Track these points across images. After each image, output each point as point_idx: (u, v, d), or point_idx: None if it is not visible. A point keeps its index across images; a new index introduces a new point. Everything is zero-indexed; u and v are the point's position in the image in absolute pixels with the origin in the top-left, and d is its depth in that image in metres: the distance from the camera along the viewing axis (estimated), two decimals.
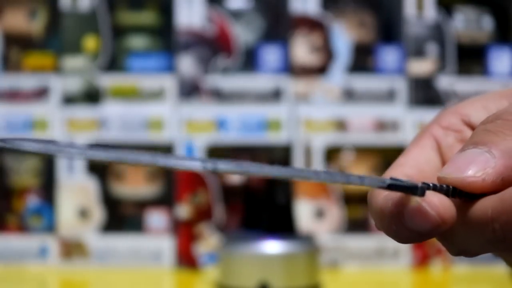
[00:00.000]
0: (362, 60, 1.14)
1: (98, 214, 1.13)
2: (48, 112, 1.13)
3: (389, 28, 1.14)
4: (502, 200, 0.34)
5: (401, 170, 0.39)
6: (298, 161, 1.12)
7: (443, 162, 0.41)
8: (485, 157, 0.35)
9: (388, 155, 1.12)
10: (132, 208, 1.13)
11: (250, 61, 1.13)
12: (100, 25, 1.14)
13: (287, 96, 1.13)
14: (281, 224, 0.99)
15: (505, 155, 0.35)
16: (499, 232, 0.35)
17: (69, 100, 1.13)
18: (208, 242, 1.12)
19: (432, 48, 1.14)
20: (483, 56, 1.14)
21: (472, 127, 0.42)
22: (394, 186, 0.35)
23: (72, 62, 1.14)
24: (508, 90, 0.42)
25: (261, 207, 1.01)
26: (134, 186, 1.13)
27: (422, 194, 0.35)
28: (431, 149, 0.40)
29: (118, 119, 1.13)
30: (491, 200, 0.35)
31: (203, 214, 1.12)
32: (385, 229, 0.37)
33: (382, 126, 1.13)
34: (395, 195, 0.36)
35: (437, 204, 0.35)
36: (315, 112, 1.13)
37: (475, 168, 0.35)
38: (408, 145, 0.41)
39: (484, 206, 0.35)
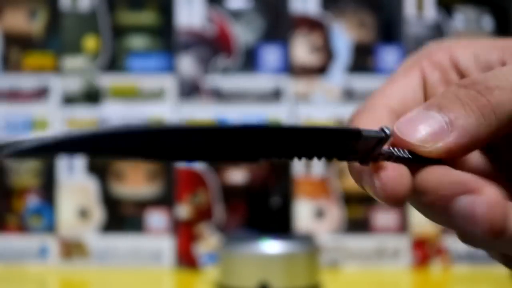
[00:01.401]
0: (362, 60, 1.14)
1: (98, 214, 1.13)
2: (48, 112, 1.13)
3: (389, 28, 1.14)
4: None
5: (386, 102, 0.38)
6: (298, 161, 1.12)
7: (425, 99, 0.40)
8: (442, 128, 0.35)
9: None
10: (132, 208, 1.13)
11: (250, 61, 1.13)
12: (100, 25, 1.14)
13: (287, 96, 1.13)
14: (276, 224, 0.99)
15: (461, 133, 0.34)
16: None
17: (69, 100, 1.13)
18: (208, 242, 1.12)
19: None
20: None
21: (458, 71, 0.41)
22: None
23: (72, 62, 1.14)
24: (501, 42, 0.41)
25: (263, 207, 1.01)
26: (134, 186, 1.13)
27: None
28: (417, 84, 0.40)
29: (118, 119, 1.13)
30: None
31: (203, 214, 1.12)
32: (365, 187, 0.36)
33: None
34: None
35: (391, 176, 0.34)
36: (315, 112, 1.13)
37: (427, 136, 0.35)
38: (396, 73, 0.40)
39: None
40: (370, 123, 0.35)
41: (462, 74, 0.40)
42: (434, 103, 0.35)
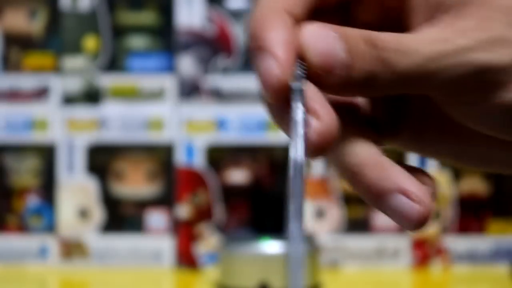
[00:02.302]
0: None
1: (98, 214, 1.13)
2: (48, 112, 1.13)
3: None
4: None
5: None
6: None
7: None
8: (342, 71, 0.32)
9: (386, 154, 1.12)
10: (132, 208, 1.13)
11: (250, 61, 1.13)
12: (100, 25, 1.14)
13: None
14: (277, 224, 0.99)
15: (349, 82, 0.33)
16: None
17: (69, 100, 1.13)
18: (208, 242, 1.12)
19: None
20: None
21: None
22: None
23: (72, 62, 1.14)
24: None
25: (265, 207, 1.01)
26: (134, 186, 1.13)
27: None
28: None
29: (118, 119, 1.13)
30: None
31: (203, 214, 1.12)
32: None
33: None
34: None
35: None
36: None
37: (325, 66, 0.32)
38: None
39: None
40: (280, 39, 0.32)
41: None
42: (346, 39, 0.32)
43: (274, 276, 0.93)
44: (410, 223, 0.33)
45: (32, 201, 1.13)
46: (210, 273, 1.08)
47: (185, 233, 1.12)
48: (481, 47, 0.33)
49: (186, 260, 1.12)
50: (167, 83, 1.13)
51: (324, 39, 0.32)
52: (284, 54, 0.31)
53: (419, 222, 0.33)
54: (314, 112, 0.32)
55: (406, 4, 0.35)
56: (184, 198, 1.12)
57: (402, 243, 1.12)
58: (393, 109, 0.37)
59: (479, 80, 0.33)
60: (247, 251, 0.95)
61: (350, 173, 0.34)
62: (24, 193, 1.13)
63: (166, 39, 1.14)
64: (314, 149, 0.32)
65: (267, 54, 0.32)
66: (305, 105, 0.32)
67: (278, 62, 0.31)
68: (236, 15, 1.13)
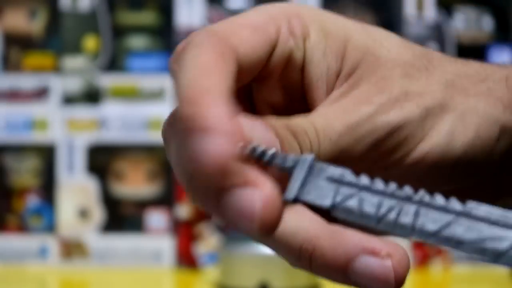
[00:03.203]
0: None
1: (98, 214, 1.13)
2: (48, 112, 1.13)
3: (389, 28, 1.14)
4: None
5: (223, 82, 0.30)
6: None
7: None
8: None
9: None
10: (132, 208, 1.13)
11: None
12: (100, 25, 1.14)
13: None
14: None
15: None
16: None
17: (69, 100, 1.13)
18: (208, 242, 1.12)
19: (432, 48, 1.14)
20: (483, 56, 1.14)
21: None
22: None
23: (72, 62, 1.14)
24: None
25: None
26: (134, 186, 1.13)
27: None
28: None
29: (118, 119, 1.13)
30: None
31: (203, 214, 1.12)
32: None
33: None
34: None
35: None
36: None
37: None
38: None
39: None
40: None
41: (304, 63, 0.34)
42: (275, 131, 0.31)
43: (274, 276, 0.93)
44: (388, 284, 0.29)
45: (32, 201, 1.13)
46: (210, 273, 1.08)
47: (185, 233, 1.12)
48: (386, 108, 0.33)
49: (186, 260, 1.12)
50: (167, 83, 1.13)
51: (262, 130, 0.29)
52: (233, 127, 0.28)
53: (398, 280, 0.29)
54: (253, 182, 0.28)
55: (306, 79, 0.34)
56: (184, 198, 1.12)
57: (402, 243, 1.12)
58: None
59: (395, 140, 0.33)
60: (247, 251, 0.95)
61: (302, 252, 0.31)
62: (24, 193, 1.13)
63: (166, 39, 1.14)
64: (264, 223, 0.28)
65: (210, 131, 0.28)
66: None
67: (228, 138, 0.27)
68: (236, 15, 1.13)
